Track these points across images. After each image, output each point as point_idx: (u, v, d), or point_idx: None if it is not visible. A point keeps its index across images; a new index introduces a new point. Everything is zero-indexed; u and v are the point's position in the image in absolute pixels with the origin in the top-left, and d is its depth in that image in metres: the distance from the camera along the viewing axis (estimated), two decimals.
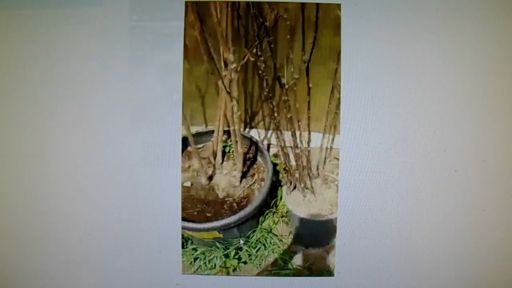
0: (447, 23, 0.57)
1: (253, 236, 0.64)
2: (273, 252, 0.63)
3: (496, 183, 0.58)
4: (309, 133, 0.64)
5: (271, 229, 0.64)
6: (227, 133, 0.66)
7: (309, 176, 0.64)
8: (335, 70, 0.58)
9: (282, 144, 0.64)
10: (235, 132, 0.65)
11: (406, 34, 0.57)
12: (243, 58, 0.60)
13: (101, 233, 0.59)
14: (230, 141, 0.66)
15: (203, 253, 0.63)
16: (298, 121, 0.63)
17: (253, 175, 0.67)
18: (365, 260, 0.59)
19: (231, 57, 0.60)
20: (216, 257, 0.63)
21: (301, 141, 0.64)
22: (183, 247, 0.60)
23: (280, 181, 0.66)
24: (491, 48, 0.57)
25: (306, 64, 0.60)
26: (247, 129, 0.67)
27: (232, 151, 0.67)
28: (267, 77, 0.61)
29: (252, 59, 0.60)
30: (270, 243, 0.64)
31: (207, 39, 0.59)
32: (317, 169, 0.64)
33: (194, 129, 0.63)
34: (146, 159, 0.58)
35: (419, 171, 0.58)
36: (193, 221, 0.61)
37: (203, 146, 0.68)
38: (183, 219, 0.60)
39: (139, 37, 0.57)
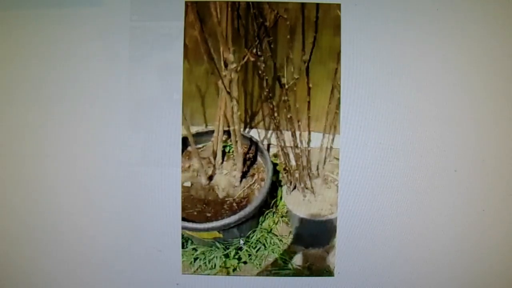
0: (447, 23, 0.57)
1: (253, 236, 0.64)
2: (273, 252, 0.63)
3: (496, 183, 0.58)
4: (309, 133, 0.64)
5: (271, 229, 0.64)
6: (227, 133, 0.66)
7: (309, 176, 0.64)
8: (335, 70, 0.58)
9: (282, 144, 0.64)
10: (235, 132, 0.65)
11: (406, 34, 0.57)
12: (243, 58, 0.60)
13: (101, 233, 0.59)
14: (230, 141, 0.66)
15: (203, 253, 0.63)
16: (298, 121, 0.63)
17: (253, 175, 0.67)
18: (365, 260, 0.59)
19: (231, 57, 0.60)
20: (216, 257, 0.63)
21: (301, 141, 0.64)
22: (183, 247, 0.60)
23: (280, 181, 0.66)
24: (491, 48, 0.57)
25: (306, 64, 0.60)
26: (247, 129, 0.67)
27: (232, 151, 0.67)
28: (267, 77, 0.61)
29: (252, 59, 0.60)
30: (270, 243, 0.64)
31: (207, 39, 0.59)
32: (317, 169, 0.64)
33: (194, 129, 0.63)
34: (146, 159, 0.58)
35: (419, 171, 0.58)
36: (193, 221, 0.61)
37: (203, 146, 0.68)
38: (183, 219, 0.60)
39: (139, 37, 0.57)
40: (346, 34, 0.57)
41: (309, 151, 0.64)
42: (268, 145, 0.67)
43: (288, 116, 0.62)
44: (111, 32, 0.57)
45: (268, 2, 0.57)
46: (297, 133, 0.63)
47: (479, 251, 0.59)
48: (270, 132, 0.66)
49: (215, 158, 0.67)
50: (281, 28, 0.59)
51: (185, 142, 0.60)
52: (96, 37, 0.57)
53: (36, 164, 0.59)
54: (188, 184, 0.64)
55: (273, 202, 0.66)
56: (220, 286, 0.62)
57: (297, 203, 0.64)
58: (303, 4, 0.58)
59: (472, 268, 0.59)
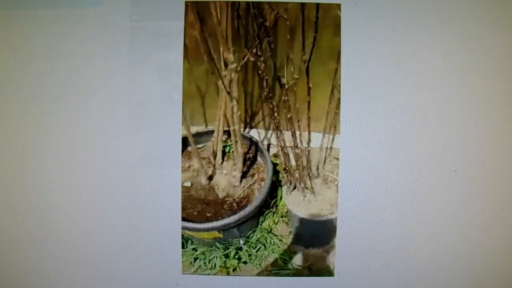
0: (447, 23, 0.57)
1: (253, 236, 0.64)
2: (273, 252, 0.63)
3: (496, 183, 0.58)
4: (309, 133, 0.64)
5: (271, 229, 0.64)
6: (227, 133, 0.66)
7: (309, 176, 0.64)
8: (335, 70, 0.58)
9: (282, 144, 0.64)
10: (235, 132, 0.65)
11: (406, 34, 0.57)
12: (243, 58, 0.60)
13: (101, 233, 0.59)
14: (230, 141, 0.66)
15: (203, 253, 0.63)
16: (298, 121, 0.63)
17: (253, 175, 0.67)
18: (365, 260, 0.59)
19: (231, 57, 0.60)
20: (216, 257, 0.63)
21: (301, 141, 0.64)
22: (183, 247, 0.60)
23: (280, 181, 0.66)
24: (491, 48, 0.57)
25: (306, 64, 0.60)
26: (247, 129, 0.67)
27: (232, 151, 0.67)
28: (267, 77, 0.61)
29: (252, 59, 0.60)
30: (270, 243, 0.64)
31: (207, 39, 0.59)
32: (317, 169, 0.64)
33: (194, 129, 0.63)
34: (146, 159, 0.58)
35: (419, 171, 0.58)
36: (193, 221, 0.61)
37: (203, 146, 0.68)
38: (183, 219, 0.60)
39: (139, 37, 0.57)
40: (346, 34, 0.57)
41: (309, 151, 0.64)
42: (268, 145, 0.67)
43: (288, 116, 0.62)
44: (111, 32, 0.57)
45: (268, 2, 0.57)
46: (297, 133, 0.63)
47: (479, 251, 0.59)
48: (270, 132, 0.66)
49: (215, 158, 0.67)
50: (281, 28, 0.59)
51: (185, 142, 0.60)
52: (96, 37, 0.57)
53: (36, 164, 0.59)
54: (188, 184, 0.64)
55: (273, 202, 0.66)
56: (220, 286, 0.62)
57: (297, 203, 0.64)
58: (303, 4, 0.58)
59: (472, 268, 0.59)
